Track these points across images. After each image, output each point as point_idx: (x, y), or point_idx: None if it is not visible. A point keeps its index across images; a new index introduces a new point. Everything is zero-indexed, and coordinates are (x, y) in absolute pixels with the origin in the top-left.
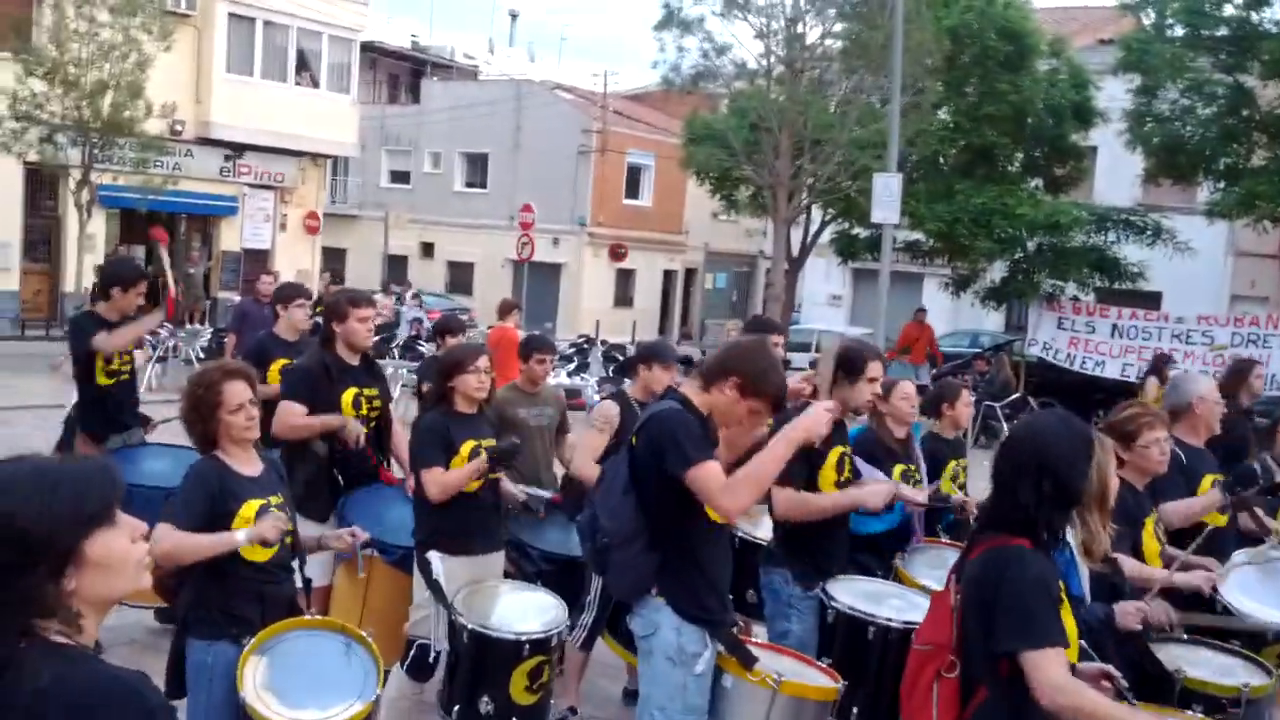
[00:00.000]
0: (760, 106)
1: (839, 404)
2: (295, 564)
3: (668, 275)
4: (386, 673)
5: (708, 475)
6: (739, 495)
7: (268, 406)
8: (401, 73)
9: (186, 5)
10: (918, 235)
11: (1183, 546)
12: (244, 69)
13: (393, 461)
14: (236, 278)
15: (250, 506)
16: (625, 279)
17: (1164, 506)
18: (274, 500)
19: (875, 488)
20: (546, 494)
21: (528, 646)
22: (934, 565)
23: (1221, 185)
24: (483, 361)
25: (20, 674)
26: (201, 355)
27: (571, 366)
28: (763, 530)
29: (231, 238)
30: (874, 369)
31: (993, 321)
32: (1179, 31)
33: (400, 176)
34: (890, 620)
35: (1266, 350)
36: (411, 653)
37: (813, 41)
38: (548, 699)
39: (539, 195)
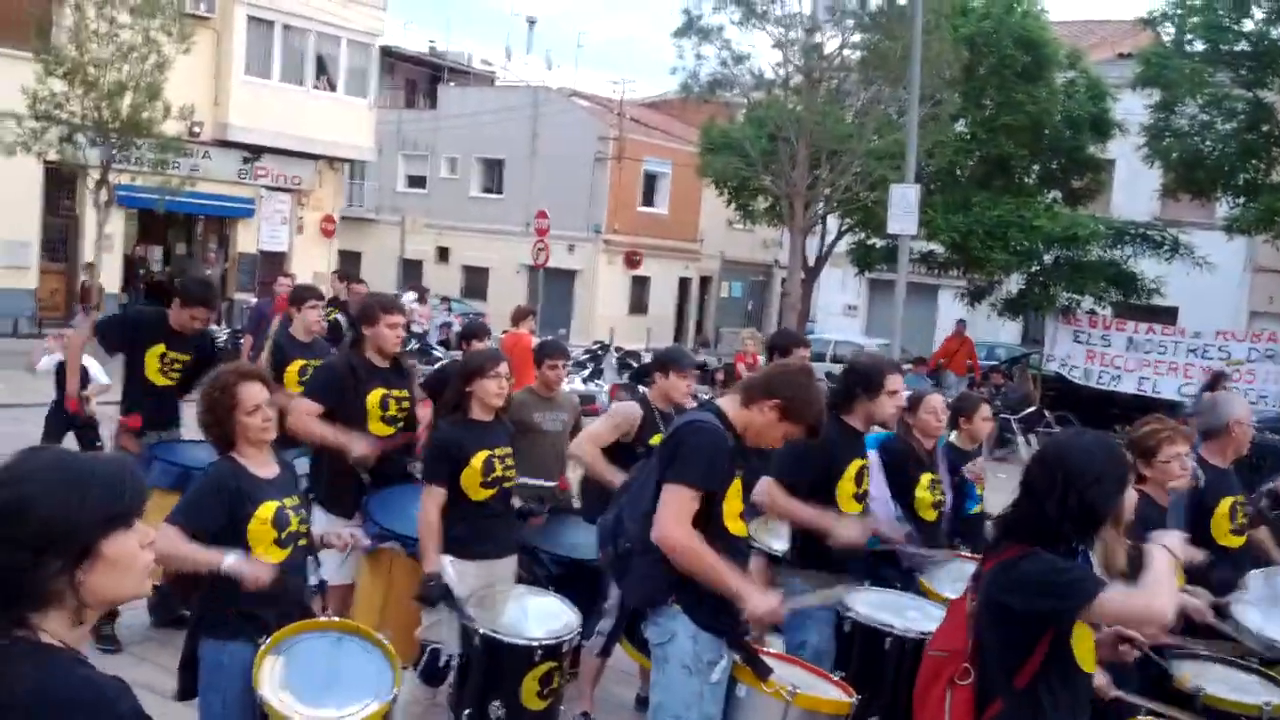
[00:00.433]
0: (778, 116)
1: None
2: (310, 565)
3: (683, 283)
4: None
5: (677, 500)
6: (674, 538)
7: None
8: (419, 78)
9: (206, 8)
10: (934, 246)
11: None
12: (262, 72)
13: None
14: (253, 279)
15: (267, 508)
16: (640, 286)
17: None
18: (289, 502)
19: (847, 525)
20: (550, 484)
21: (539, 652)
22: (957, 579)
23: (1240, 200)
24: (503, 368)
25: (5, 675)
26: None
27: (586, 373)
28: (779, 542)
29: (248, 240)
30: (893, 382)
31: (1008, 333)
32: (1198, 46)
33: (417, 181)
34: (907, 631)
35: None
36: (424, 658)
37: (831, 52)
38: (558, 705)
39: (555, 202)
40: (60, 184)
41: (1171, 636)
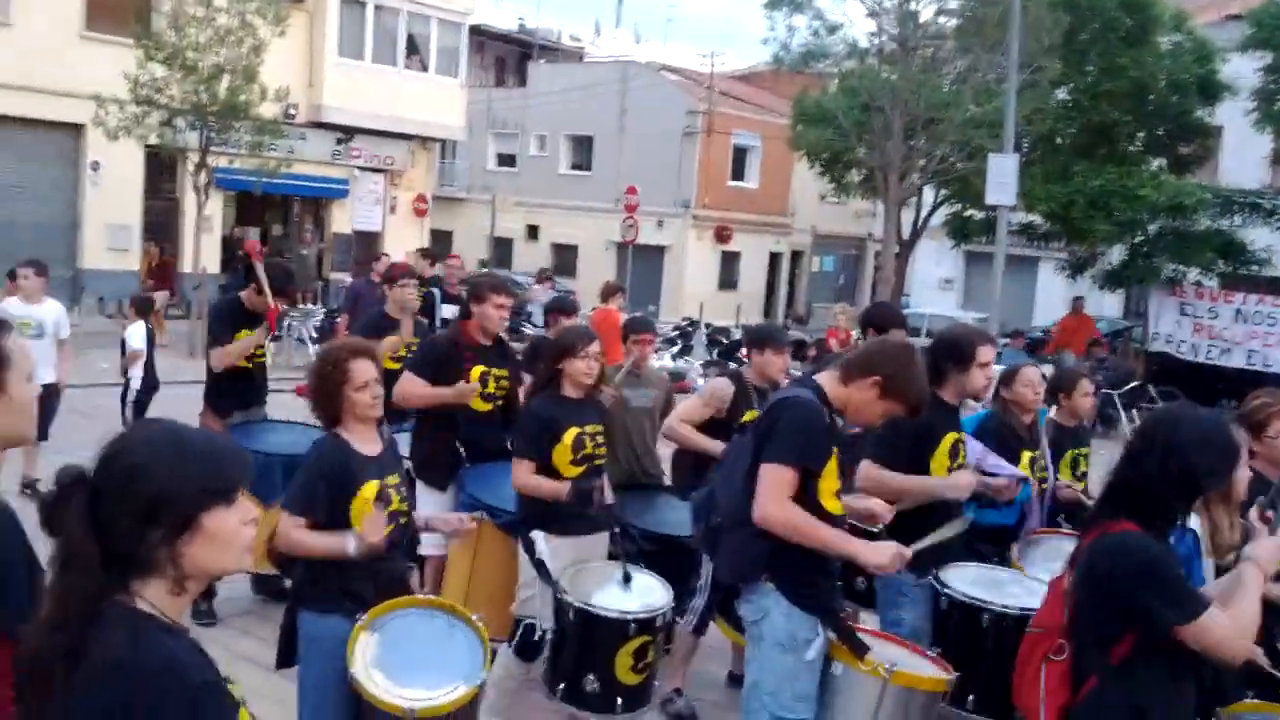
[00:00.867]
0: (872, 86)
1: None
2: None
3: (773, 258)
4: (494, 649)
5: (775, 479)
6: (774, 514)
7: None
8: (508, 56)
9: None
10: (1033, 217)
11: None
12: (355, 53)
13: None
14: (347, 259)
15: (370, 487)
16: (730, 262)
17: None
18: (391, 480)
19: (954, 478)
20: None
21: (634, 626)
22: (1050, 557)
23: None
24: (593, 347)
25: (98, 639)
26: (314, 335)
27: (675, 350)
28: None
29: (342, 220)
30: (983, 354)
31: (1110, 306)
32: None
33: (506, 159)
34: (1006, 607)
35: None
36: (518, 633)
37: (926, 19)
38: (652, 679)
39: (644, 177)
40: (160, 167)
41: None
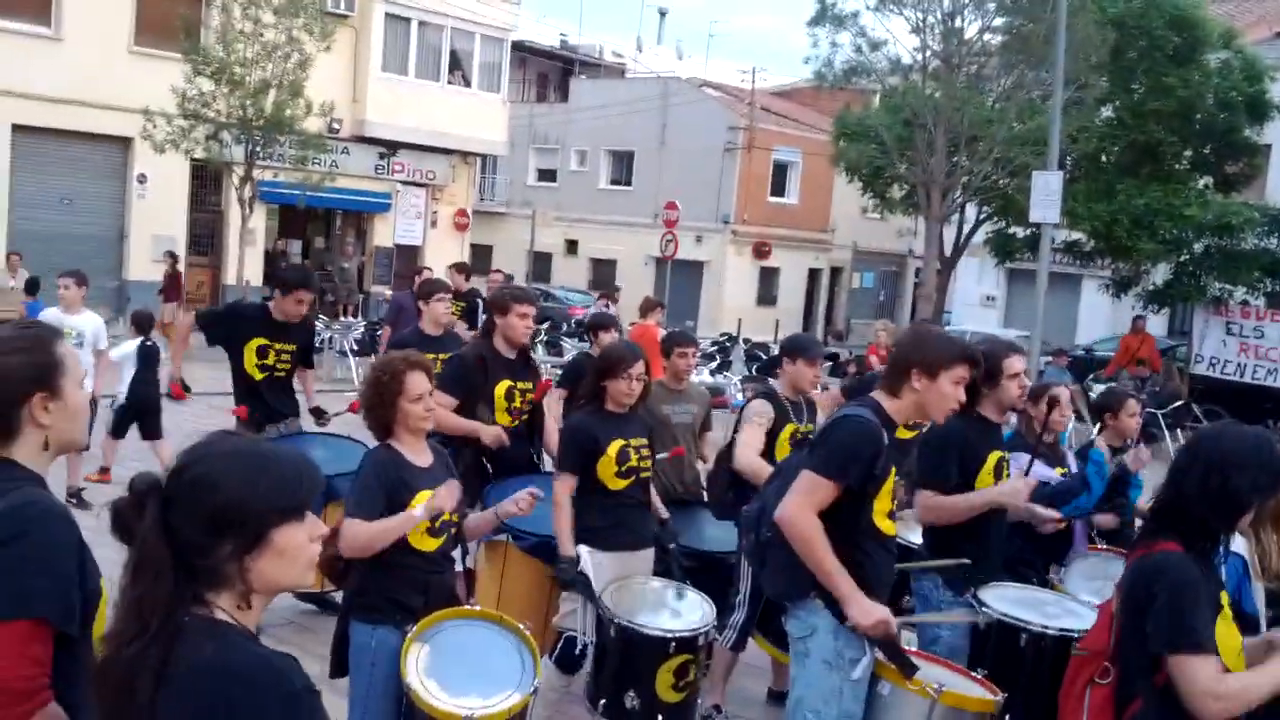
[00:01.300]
0: (915, 102)
1: None
2: (457, 553)
3: (813, 274)
4: None
5: (809, 486)
6: (793, 521)
7: None
8: (550, 71)
9: (346, 6)
10: (1077, 235)
11: None
12: (399, 68)
13: (544, 455)
14: (389, 273)
15: (422, 497)
16: (769, 277)
17: None
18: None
19: (1011, 484)
20: (664, 454)
21: (674, 644)
22: (1092, 576)
23: None
24: (637, 368)
25: (188, 648)
26: (355, 348)
27: (714, 365)
28: (915, 534)
29: (384, 234)
30: (1011, 365)
31: (1155, 326)
32: None
33: (547, 175)
34: (1045, 628)
35: None
36: (559, 645)
37: (971, 36)
38: (694, 698)
39: (684, 193)
40: (206, 180)
41: None
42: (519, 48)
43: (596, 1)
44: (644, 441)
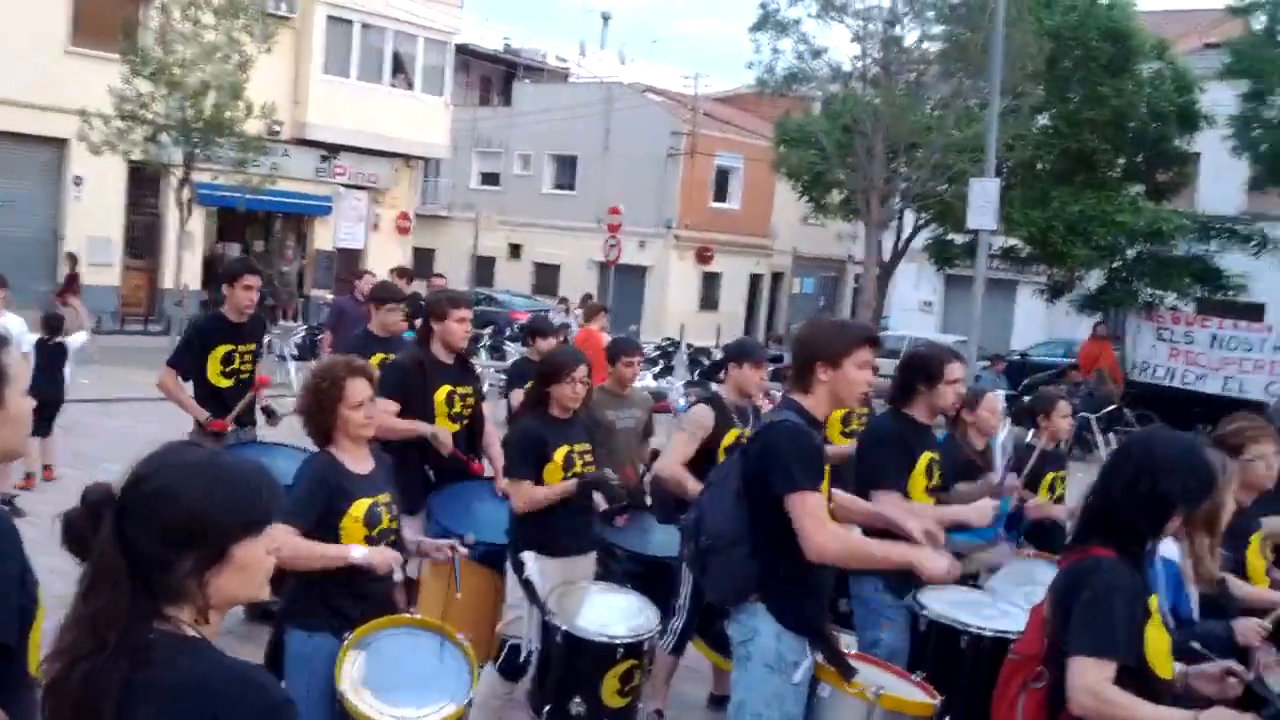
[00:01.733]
0: (854, 109)
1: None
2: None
3: (754, 279)
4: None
5: (807, 507)
6: (829, 546)
7: None
8: (494, 75)
9: (287, 7)
10: (1013, 241)
11: None
12: (341, 70)
13: (484, 459)
14: (329, 276)
15: (360, 505)
16: (711, 282)
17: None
18: (382, 499)
19: (979, 506)
20: (614, 476)
21: (621, 650)
22: (1020, 581)
23: None
24: (580, 371)
25: (160, 665)
26: (295, 352)
27: (657, 369)
28: (854, 534)
29: (325, 237)
30: (952, 371)
31: (1087, 330)
32: None
33: (490, 178)
34: (982, 629)
35: None
36: (504, 652)
37: (910, 44)
38: (637, 702)
39: (627, 197)
40: (144, 183)
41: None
42: (462, 51)
43: (540, 6)
44: (586, 447)
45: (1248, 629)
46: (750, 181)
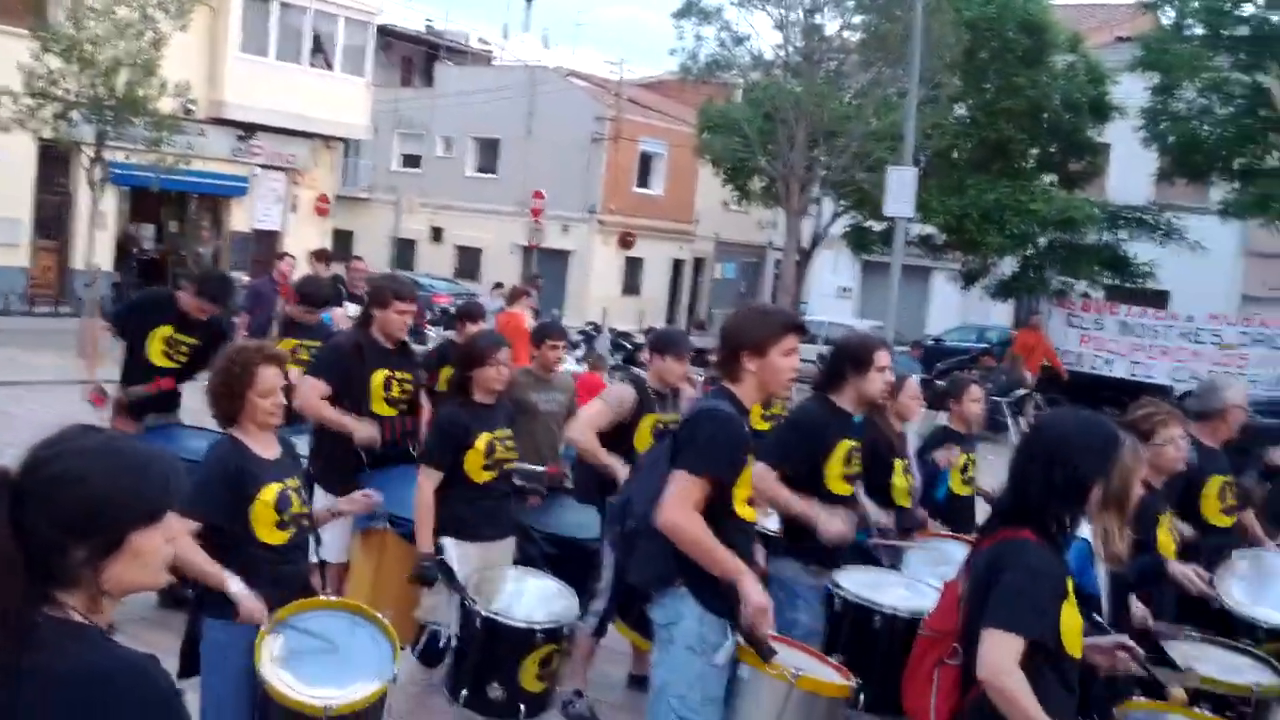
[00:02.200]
0: (776, 97)
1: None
2: (311, 544)
3: (677, 264)
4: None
5: (684, 487)
6: (677, 523)
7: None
8: (416, 56)
9: None
10: (930, 229)
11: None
12: (259, 50)
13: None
14: (246, 258)
15: (270, 490)
16: (634, 267)
17: None
18: (291, 483)
19: (833, 523)
20: (540, 469)
21: (541, 635)
22: (936, 562)
23: (1236, 185)
24: (503, 354)
25: (49, 651)
26: None
27: (580, 354)
28: (772, 522)
29: (242, 218)
30: (881, 358)
31: (1000, 316)
32: (1198, 30)
33: (412, 160)
34: (896, 609)
35: (1275, 351)
36: (423, 639)
37: (831, 33)
38: (555, 685)
39: (550, 182)
40: (54, 162)
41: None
42: (384, 31)
43: None
44: (508, 433)
45: (1184, 574)
46: (674, 167)
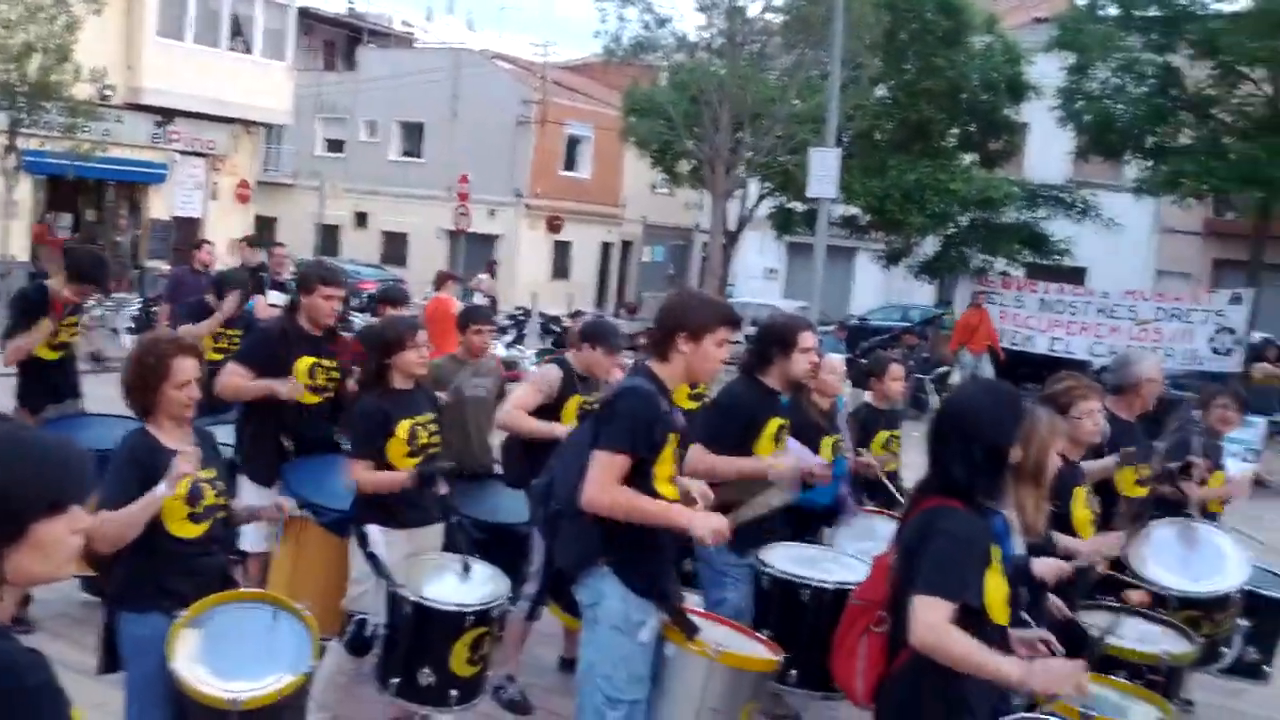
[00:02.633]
0: (700, 79)
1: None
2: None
3: (605, 247)
4: (323, 645)
5: (603, 465)
6: (598, 499)
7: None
8: (338, 39)
9: None
10: (853, 210)
11: (1108, 516)
12: (176, 33)
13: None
14: (165, 246)
15: (182, 484)
16: (562, 251)
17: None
18: (204, 475)
19: (780, 460)
20: (446, 465)
21: (470, 618)
22: (862, 537)
23: (1149, 163)
24: (421, 336)
25: None
26: (131, 325)
27: (508, 338)
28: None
29: (161, 206)
30: (805, 339)
31: (923, 295)
32: (1112, 11)
33: (335, 145)
34: (823, 582)
35: (1188, 326)
36: (350, 628)
37: (754, 15)
38: (486, 670)
39: (476, 166)
40: None
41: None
42: (305, 14)
43: None
44: (431, 418)
45: (1046, 567)
46: (600, 150)
